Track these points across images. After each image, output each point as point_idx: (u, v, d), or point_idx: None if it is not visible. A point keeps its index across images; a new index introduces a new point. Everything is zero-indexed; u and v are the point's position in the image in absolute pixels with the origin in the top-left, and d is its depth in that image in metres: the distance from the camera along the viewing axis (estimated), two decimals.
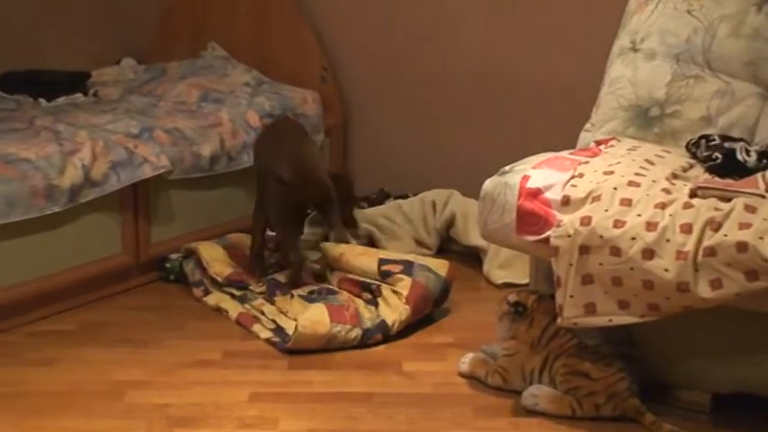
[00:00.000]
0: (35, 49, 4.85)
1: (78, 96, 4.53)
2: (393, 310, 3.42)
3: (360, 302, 3.50)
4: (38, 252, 3.49)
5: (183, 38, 5.24)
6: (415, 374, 3.15)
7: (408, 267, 3.55)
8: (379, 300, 3.50)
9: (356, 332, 3.31)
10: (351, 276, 3.67)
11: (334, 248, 3.76)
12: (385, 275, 3.57)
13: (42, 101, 4.40)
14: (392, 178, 4.79)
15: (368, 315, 3.41)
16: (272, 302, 3.56)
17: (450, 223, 4.30)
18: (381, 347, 3.35)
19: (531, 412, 2.85)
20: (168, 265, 3.93)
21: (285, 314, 3.46)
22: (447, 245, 4.36)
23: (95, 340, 3.37)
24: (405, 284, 3.49)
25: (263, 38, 5.04)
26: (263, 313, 3.52)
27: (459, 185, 4.38)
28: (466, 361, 3.12)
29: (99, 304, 3.71)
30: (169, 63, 4.96)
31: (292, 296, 3.55)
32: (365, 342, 3.32)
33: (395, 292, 3.49)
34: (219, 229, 4.14)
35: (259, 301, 3.60)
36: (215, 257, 3.84)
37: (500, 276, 3.98)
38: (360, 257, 3.70)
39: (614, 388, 2.79)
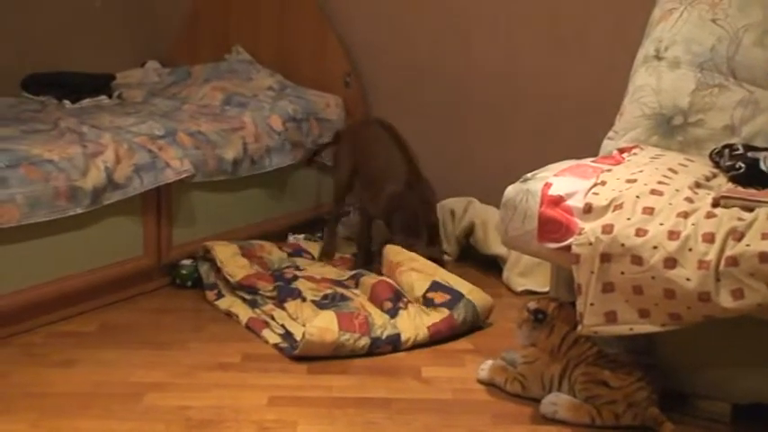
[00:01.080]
0: (60, 51, 4.88)
1: (103, 98, 4.54)
2: (413, 328, 3.41)
3: (373, 310, 3.48)
4: (60, 253, 3.51)
5: (207, 41, 5.26)
6: (434, 380, 3.14)
7: (454, 301, 3.50)
8: (402, 312, 3.48)
9: (365, 341, 3.30)
10: (389, 281, 3.67)
11: (396, 254, 3.78)
12: (427, 303, 3.53)
13: (67, 102, 4.42)
14: None
15: (379, 323, 3.39)
16: (283, 307, 3.55)
17: (470, 231, 4.30)
18: (401, 353, 3.35)
19: (549, 420, 2.84)
20: (184, 271, 3.93)
21: (295, 320, 3.45)
22: (467, 252, 4.35)
23: (115, 342, 3.39)
24: (438, 315, 3.47)
25: (287, 42, 5.05)
26: (272, 318, 3.52)
27: (480, 192, 4.37)
28: (485, 368, 3.11)
29: (120, 306, 3.73)
30: (193, 66, 4.99)
31: (304, 300, 3.55)
32: (373, 351, 3.30)
33: (424, 312, 3.49)
34: (241, 233, 4.15)
35: (269, 305, 3.59)
36: (229, 258, 3.85)
37: (520, 284, 3.98)
38: (413, 273, 3.67)
39: (634, 397, 2.77)
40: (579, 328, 2.78)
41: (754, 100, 3.32)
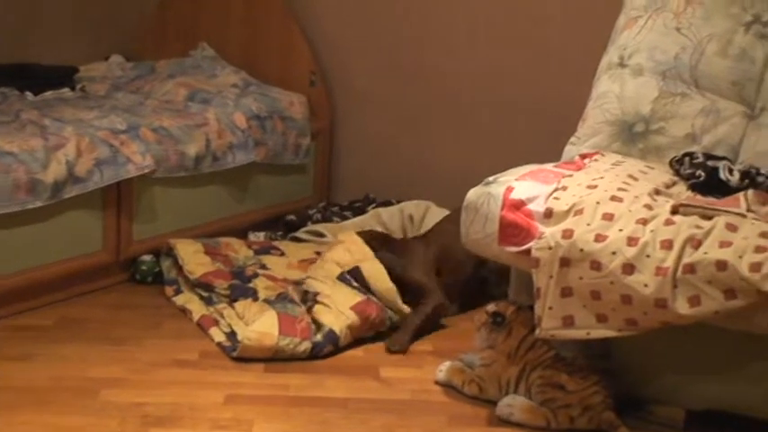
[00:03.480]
0: (23, 43, 4.84)
1: (65, 91, 4.51)
2: (336, 316, 3.39)
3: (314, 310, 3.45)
4: (18, 246, 3.48)
5: (172, 37, 5.23)
6: (392, 381, 3.15)
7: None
8: (317, 307, 3.45)
9: (305, 345, 3.27)
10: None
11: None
12: (343, 280, 3.56)
13: (29, 94, 4.38)
14: (377, 184, 4.79)
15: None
16: (233, 306, 3.51)
17: None
18: (359, 352, 3.35)
19: (505, 422, 2.85)
20: (144, 267, 3.91)
21: (241, 319, 3.42)
22: None
23: (73, 337, 3.36)
24: (355, 296, 3.48)
25: (253, 40, 5.04)
26: (222, 316, 3.49)
27: (443, 194, 4.38)
28: (443, 369, 3.12)
29: (78, 301, 3.70)
30: (158, 61, 4.96)
31: (256, 299, 3.52)
32: (316, 354, 3.28)
33: (341, 293, 3.50)
34: (202, 229, 4.14)
35: (223, 304, 3.56)
36: (191, 256, 3.84)
37: None
38: (346, 254, 3.70)
39: (590, 400, 2.79)
40: (537, 331, 2.80)
41: (716, 109, 3.36)
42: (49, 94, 4.43)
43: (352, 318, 3.38)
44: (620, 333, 2.69)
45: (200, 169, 4.12)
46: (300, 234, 4.40)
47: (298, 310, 3.43)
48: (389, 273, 3.60)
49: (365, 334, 3.43)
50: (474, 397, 3.00)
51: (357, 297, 3.48)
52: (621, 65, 3.53)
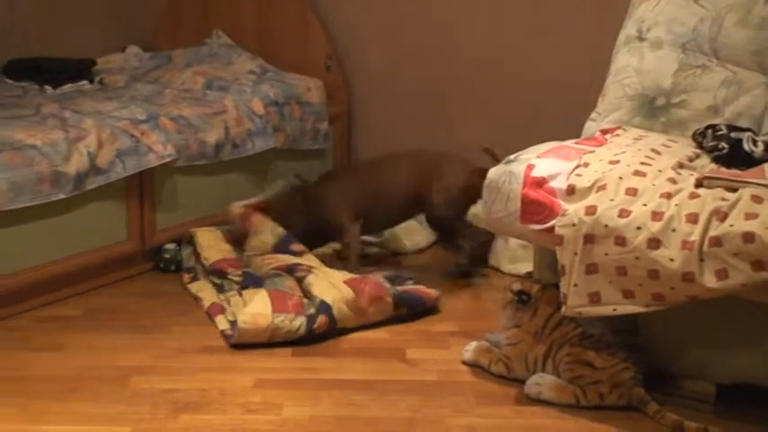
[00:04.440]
0: (41, 36, 4.86)
1: (84, 83, 4.53)
2: (328, 288, 3.40)
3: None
4: (44, 238, 3.50)
5: (188, 26, 5.24)
6: (419, 362, 3.15)
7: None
8: (309, 276, 3.48)
9: (300, 320, 3.26)
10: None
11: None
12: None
13: (48, 88, 4.40)
14: None
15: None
16: (241, 294, 3.51)
17: None
18: (385, 335, 3.37)
19: (534, 401, 2.86)
20: (167, 256, 3.93)
21: (244, 307, 3.40)
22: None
23: (101, 326, 3.39)
24: (347, 274, 3.55)
25: (269, 26, 5.04)
26: (229, 304, 3.49)
27: None
28: (469, 349, 3.13)
29: (104, 290, 3.73)
30: (174, 51, 4.97)
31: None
32: (311, 328, 3.26)
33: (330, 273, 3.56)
34: (224, 217, 4.14)
35: (233, 291, 3.57)
36: (210, 243, 3.85)
37: (511, 270, 3.98)
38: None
39: (618, 377, 2.79)
40: (563, 309, 2.79)
41: (737, 80, 3.34)
42: (68, 87, 4.44)
43: (346, 292, 3.39)
44: (647, 308, 2.68)
45: (220, 157, 4.13)
46: None
47: (287, 284, 3.45)
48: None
49: (373, 317, 3.42)
50: (501, 376, 3.01)
51: (350, 275, 3.53)
52: (640, 38, 3.51)
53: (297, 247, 3.78)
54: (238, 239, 3.87)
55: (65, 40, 4.92)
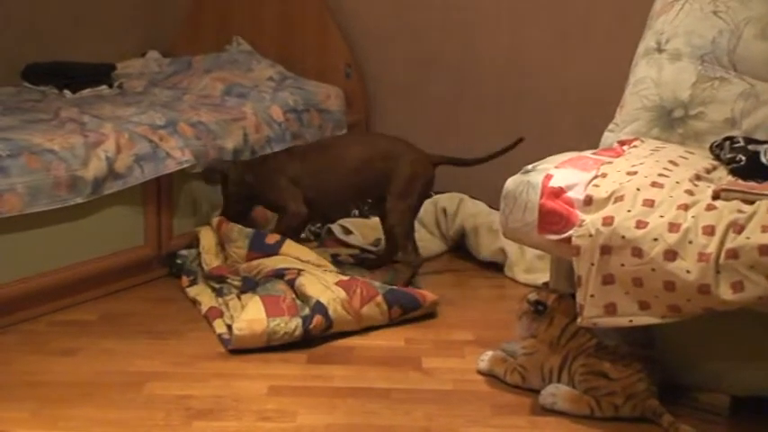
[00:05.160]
0: (60, 40, 4.88)
1: (103, 88, 4.55)
2: (321, 290, 3.41)
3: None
4: (61, 242, 3.52)
5: (207, 31, 5.26)
6: (435, 371, 3.15)
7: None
8: (299, 278, 3.48)
9: (296, 322, 3.26)
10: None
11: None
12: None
13: (67, 92, 4.42)
14: None
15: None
16: (240, 299, 3.53)
17: (462, 234, 4.31)
18: (401, 343, 3.36)
19: (549, 411, 2.85)
20: (179, 261, 3.93)
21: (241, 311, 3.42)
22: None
23: (116, 331, 3.39)
24: (337, 276, 3.56)
25: (288, 33, 5.05)
26: (228, 308, 3.50)
27: (479, 185, 4.37)
28: (485, 358, 3.12)
29: (120, 295, 3.74)
30: (194, 57, 4.98)
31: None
32: (307, 328, 3.26)
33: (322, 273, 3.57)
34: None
35: (231, 295, 3.58)
36: (213, 247, 3.87)
37: (527, 280, 3.98)
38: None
39: (633, 388, 2.78)
40: (579, 319, 2.79)
41: (755, 93, 3.32)
42: (87, 91, 4.47)
43: (339, 292, 3.40)
44: (663, 320, 2.68)
45: None
46: (333, 227, 4.41)
47: (279, 287, 3.45)
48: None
49: (369, 321, 3.43)
50: (516, 386, 3.00)
51: (340, 276, 3.56)
52: (659, 50, 3.51)
53: (271, 238, 3.78)
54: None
55: (85, 44, 4.95)
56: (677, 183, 2.82)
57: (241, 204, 3.94)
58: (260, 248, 3.76)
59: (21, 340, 3.28)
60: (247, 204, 3.98)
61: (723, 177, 2.96)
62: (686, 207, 2.69)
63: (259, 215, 4.10)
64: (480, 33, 4.63)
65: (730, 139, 3.16)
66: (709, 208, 2.68)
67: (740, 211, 2.64)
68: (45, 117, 3.89)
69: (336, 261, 4.01)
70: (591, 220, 2.77)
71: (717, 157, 3.14)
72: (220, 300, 3.59)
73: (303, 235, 4.29)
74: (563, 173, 2.96)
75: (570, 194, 2.88)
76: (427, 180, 3.91)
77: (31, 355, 3.16)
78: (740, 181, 2.90)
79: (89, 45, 4.96)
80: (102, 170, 3.56)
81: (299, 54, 5.00)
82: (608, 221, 2.72)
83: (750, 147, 3.07)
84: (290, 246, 3.76)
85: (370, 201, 4.28)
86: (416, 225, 4.32)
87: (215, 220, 3.91)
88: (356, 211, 4.56)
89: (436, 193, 4.52)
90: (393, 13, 4.87)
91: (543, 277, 3.74)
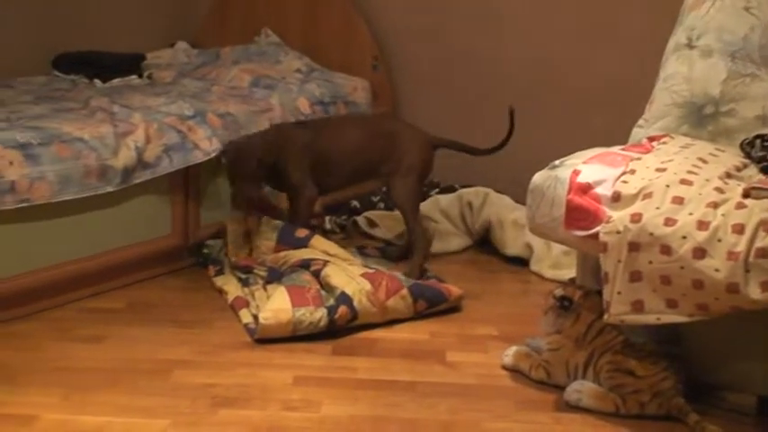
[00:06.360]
0: (90, 30, 4.91)
1: (133, 78, 4.58)
2: (346, 281, 3.42)
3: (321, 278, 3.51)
4: (89, 231, 3.54)
5: (234, 23, 5.28)
6: (459, 365, 3.15)
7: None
8: (324, 269, 3.50)
9: (321, 312, 3.28)
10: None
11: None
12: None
13: (97, 81, 4.45)
14: (439, 169, 4.75)
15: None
16: (266, 289, 3.55)
17: (487, 228, 4.31)
18: (426, 336, 3.36)
19: (573, 408, 2.85)
20: (206, 251, 3.95)
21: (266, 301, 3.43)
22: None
23: (143, 319, 3.42)
24: (362, 268, 3.58)
25: (315, 25, 5.06)
26: (253, 298, 3.52)
27: (505, 179, 4.37)
28: (510, 353, 3.12)
29: (147, 284, 3.76)
30: (222, 48, 5.00)
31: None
32: (332, 319, 3.28)
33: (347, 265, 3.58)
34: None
35: (257, 286, 3.60)
36: (236, 238, 3.88)
37: (553, 275, 3.97)
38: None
39: (659, 386, 2.77)
40: (606, 316, 2.78)
41: None
42: (116, 81, 4.49)
43: (364, 284, 3.41)
44: (690, 318, 2.66)
45: None
46: (359, 219, 4.42)
47: (304, 278, 3.47)
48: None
49: (394, 314, 3.44)
50: (541, 382, 3.00)
51: (366, 268, 3.58)
52: (689, 46, 3.49)
53: (300, 232, 3.80)
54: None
55: (114, 34, 4.97)
56: (707, 180, 2.80)
57: (256, 186, 3.90)
58: (289, 242, 3.77)
59: (49, 327, 3.31)
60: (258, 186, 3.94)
61: (753, 175, 2.94)
62: (716, 205, 2.68)
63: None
64: (508, 27, 4.62)
65: (761, 136, 3.14)
66: (739, 206, 2.66)
67: None
68: (75, 106, 3.91)
69: (362, 253, 4.02)
70: (619, 216, 2.76)
71: (747, 155, 3.12)
72: (246, 290, 3.60)
73: (328, 227, 4.31)
74: (591, 168, 2.95)
75: (598, 190, 2.87)
76: (425, 159, 3.94)
77: (60, 342, 3.19)
78: None
79: (118, 35, 4.99)
80: (132, 159, 3.58)
81: (325, 46, 5.00)
82: (636, 218, 2.71)
83: None
84: (318, 240, 3.77)
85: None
86: (441, 218, 4.34)
87: (241, 213, 3.92)
88: (381, 204, 4.57)
89: (462, 187, 4.52)
90: (421, 5, 4.87)
91: (569, 273, 3.73)
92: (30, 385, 2.87)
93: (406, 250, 4.01)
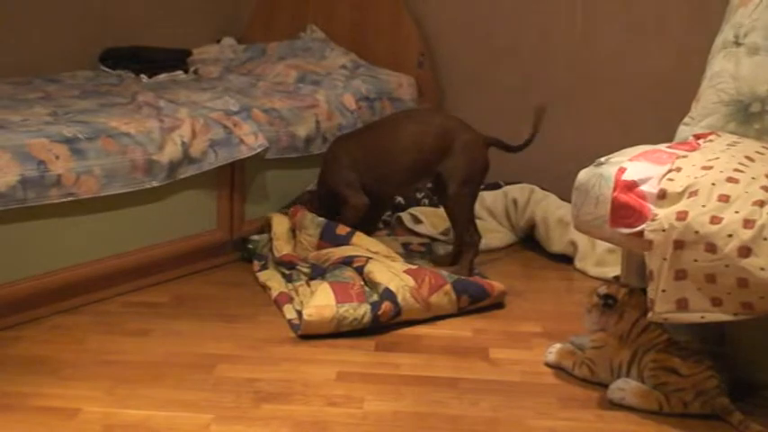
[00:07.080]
0: (138, 25, 4.95)
1: (179, 73, 4.61)
2: (390, 277, 3.42)
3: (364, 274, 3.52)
4: (135, 225, 3.58)
5: (281, 19, 5.30)
6: (502, 362, 3.15)
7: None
8: (367, 265, 3.51)
9: (364, 308, 3.29)
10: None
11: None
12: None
13: (144, 77, 4.49)
14: None
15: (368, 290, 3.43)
16: (309, 285, 3.56)
17: (532, 225, 4.30)
18: (469, 333, 3.36)
19: (617, 406, 2.83)
20: (251, 246, 3.97)
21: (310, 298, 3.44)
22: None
23: (188, 313, 3.44)
24: (405, 264, 3.59)
25: (361, 21, 5.07)
26: (297, 293, 3.53)
27: (551, 176, 4.36)
28: (553, 351, 3.11)
29: (192, 278, 3.79)
30: (268, 44, 5.02)
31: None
32: (376, 315, 3.28)
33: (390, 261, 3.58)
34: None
35: (301, 282, 3.61)
36: (284, 233, 3.90)
37: (598, 273, 3.95)
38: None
39: (703, 385, 2.75)
40: (650, 314, 2.76)
41: None
42: (163, 76, 4.53)
43: (407, 280, 3.41)
44: (735, 317, 2.64)
45: (310, 150, 4.17)
46: (403, 215, 4.43)
47: (347, 274, 3.48)
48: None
49: (438, 310, 3.44)
50: (584, 379, 2.99)
51: (409, 265, 3.58)
52: (737, 43, 3.45)
53: (341, 230, 3.82)
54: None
55: (161, 29, 5.01)
56: (753, 178, 2.77)
57: (332, 197, 3.97)
58: (331, 239, 3.79)
59: (95, 320, 3.34)
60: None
61: None
62: (762, 203, 2.66)
63: None
64: (553, 23, 4.60)
65: None
66: None
67: None
68: (122, 101, 3.95)
69: (407, 250, 4.02)
70: (664, 214, 2.74)
71: None
72: (290, 285, 3.62)
73: None
74: (636, 166, 2.93)
75: (643, 188, 2.85)
76: (484, 163, 3.89)
77: (105, 335, 3.22)
78: None
79: (165, 30, 5.03)
80: (178, 155, 3.61)
81: (372, 42, 5.01)
82: (682, 216, 2.69)
83: None
84: (359, 237, 3.78)
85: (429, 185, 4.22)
86: (486, 215, 4.34)
87: (290, 208, 3.94)
88: (426, 200, 4.57)
89: (507, 183, 4.51)
90: (467, 2, 4.86)
91: (614, 271, 3.72)
92: (74, 378, 2.90)
93: (454, 258, 3.97)
